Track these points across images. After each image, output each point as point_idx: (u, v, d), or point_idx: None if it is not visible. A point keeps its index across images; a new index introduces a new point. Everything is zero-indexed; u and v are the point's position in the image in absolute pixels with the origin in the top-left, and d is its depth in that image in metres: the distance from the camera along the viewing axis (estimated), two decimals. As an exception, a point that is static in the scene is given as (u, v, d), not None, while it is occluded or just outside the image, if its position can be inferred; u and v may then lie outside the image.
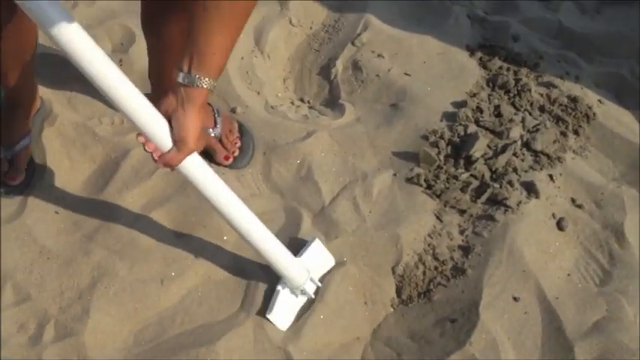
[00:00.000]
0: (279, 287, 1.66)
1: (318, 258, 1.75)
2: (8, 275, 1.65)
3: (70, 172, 1.89)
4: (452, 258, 1.80)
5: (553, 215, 1.88)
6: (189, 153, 1.37)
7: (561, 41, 2.52)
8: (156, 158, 1.36)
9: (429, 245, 1.83)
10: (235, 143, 1.94)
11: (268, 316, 1.63)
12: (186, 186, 1.85)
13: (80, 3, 2.37)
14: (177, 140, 1.34)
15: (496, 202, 1.90)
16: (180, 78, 1.30)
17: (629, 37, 2.49)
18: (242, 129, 1.99)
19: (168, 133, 1.34)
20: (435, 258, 1.80)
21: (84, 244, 1.73)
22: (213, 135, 1.91)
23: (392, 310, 1.74)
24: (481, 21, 2.54)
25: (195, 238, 1.77)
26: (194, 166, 1.42)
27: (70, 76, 2.08)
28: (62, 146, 1.92)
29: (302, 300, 1.70)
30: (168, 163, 1.37)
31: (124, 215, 1.79)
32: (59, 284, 1.65)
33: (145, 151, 1.36)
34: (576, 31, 2.54)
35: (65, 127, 1.95)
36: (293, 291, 1.67)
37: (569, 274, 1.78)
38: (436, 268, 1.78)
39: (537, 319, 1.67)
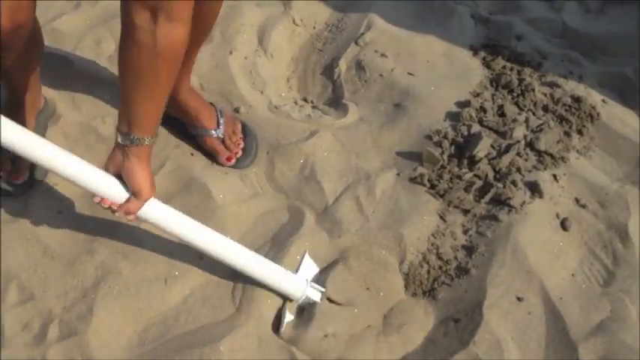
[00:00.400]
0: (285, 307, 1.67)
1: (311, 269, 1.75)
2: (13, 275, 1.65)
3: (73, 171, 1.88)
4: (456, 258, 1.80)
5: (557, 215, 1.88)
6: (146, 200, 1.48)
7: (565, 41, 2.52)
8: (115, 209, 1.47)
9: (432, 245, 1.82)
10: (238, 144, 1.94)
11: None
12: (190, 185, 1.86)
13: (83, 3, 2.37)
14: (133, 193, 1.46)
15: (500, 202, 1.90)
16: (121, 140, 1.42)
17: (633, 37, 2.49)
18: (245, 129, 1.99)
19: (119, 187, 1.46)
20: (439, 257, 1.80)
21: (88, 244, 1.73)
22: (215, 136, 1.91)
23: (403, 296, 1.74)
24: (485, 21, 2.54)
25: (199, 237, 1.77)
26: (154, 211, 1.53)
27: (73, 76, 2.09)
28: (66, 146, 1.90)
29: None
30: (128, 212, 1.47)
31: (128, 215, 1.79)
32: (63, 284, 1.65)
33: (102, 207, 1.48)
34: (580, 30, 2.53)
35: (69, 127, 1.95)
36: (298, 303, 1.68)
37: (573, 275, 1.78)
38: (440, 267, 1.78)
39: (541, 319, 1.67)
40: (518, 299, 1.69)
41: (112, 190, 1.46)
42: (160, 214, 1.54)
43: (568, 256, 1.81)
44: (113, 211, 1.49)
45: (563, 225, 1.87)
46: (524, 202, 1.88)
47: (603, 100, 2.23)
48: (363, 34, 2.41)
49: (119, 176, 1.47)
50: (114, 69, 2.13)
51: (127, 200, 1.47)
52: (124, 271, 1.67)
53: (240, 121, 2.00)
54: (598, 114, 2.16)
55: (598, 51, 2.46)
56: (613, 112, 2.19)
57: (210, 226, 1.77)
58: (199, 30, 1.64)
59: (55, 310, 1.61)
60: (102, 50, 2.20)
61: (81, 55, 2.15)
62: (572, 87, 2.25)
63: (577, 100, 2.19)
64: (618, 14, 2.62)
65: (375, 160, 2.01)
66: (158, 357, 1.55)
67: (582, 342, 1.62)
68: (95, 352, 1.54)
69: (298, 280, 1.66)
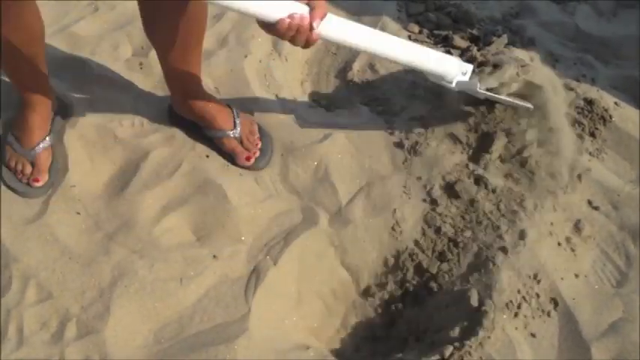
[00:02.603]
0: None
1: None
2: (31, 274, 1.68)
3: (91, 173, 1.91)
4: (467, 257, 1.81)
5: (569, 217, 1.89)
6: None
7: (578, 44, 2.52)
8: (306, 24, 1.45)
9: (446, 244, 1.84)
10: (256, 144, 1.96)
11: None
12: (205, 187, 1.88)
13: (101, 5, 2.40)
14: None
15: (512, 203, 1.90)
16: None
17: (646, 40, 2.49)
18: (261, 130, 2.01)
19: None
20: (452, 256, 1.81)
21: (105, 244, 1.75)
22: (233, 137, 1.93)
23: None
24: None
25: (214, 238, 1.79)
26: (333, 25, 1.57)
27: (91, 79, 2.12)
28: (83, 148, 1.95)
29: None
30: (315, 18, 1.46)
31: (144, 216, 1.81)
32: (81, 283, 1.68)
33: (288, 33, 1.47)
34: (592, 33, 2.54)
35: (86, 129, 1.98)
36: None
37: (585, 276, 1.78)
38: (453, 266, 1.79)
39: (554, 319, 1.68)
40: (531, 299, 1.70)
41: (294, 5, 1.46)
42: (339, 28, 1.59)
43: (581, 257, 1.82)
44: (298, 31, 1.47)
45: (576, 226, 1.87)
46: (536, 204, 1.89)
47: (616, 103, 2.23)
48: (376, 37, 2.42)
49: None
50: (130, 73, 2.16)
51: (311, 11, 1.47)
52: (140, 271, 1.70)
53: (255, 121, 2.02)
54: (610, 116, 2.16)
55: (611, 54, 2.46)
56: (626, 115, 2.19)
57: (225, 228, 1.80)
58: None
59: (73, 309, 1.63)
60: (119, 54, 2.23)
61: (98, 59, 2.18)
62: (585, 90, 2.25)
63: (590, 102, 2.19)
64: (630, 17, 2.63)
65: (388, 162, 2.03)
66: (174, 355, 1.57)
67: (595, 342, 1.62)
68: (112, 351, 1.57)
69: (454, 63, 1.87)
